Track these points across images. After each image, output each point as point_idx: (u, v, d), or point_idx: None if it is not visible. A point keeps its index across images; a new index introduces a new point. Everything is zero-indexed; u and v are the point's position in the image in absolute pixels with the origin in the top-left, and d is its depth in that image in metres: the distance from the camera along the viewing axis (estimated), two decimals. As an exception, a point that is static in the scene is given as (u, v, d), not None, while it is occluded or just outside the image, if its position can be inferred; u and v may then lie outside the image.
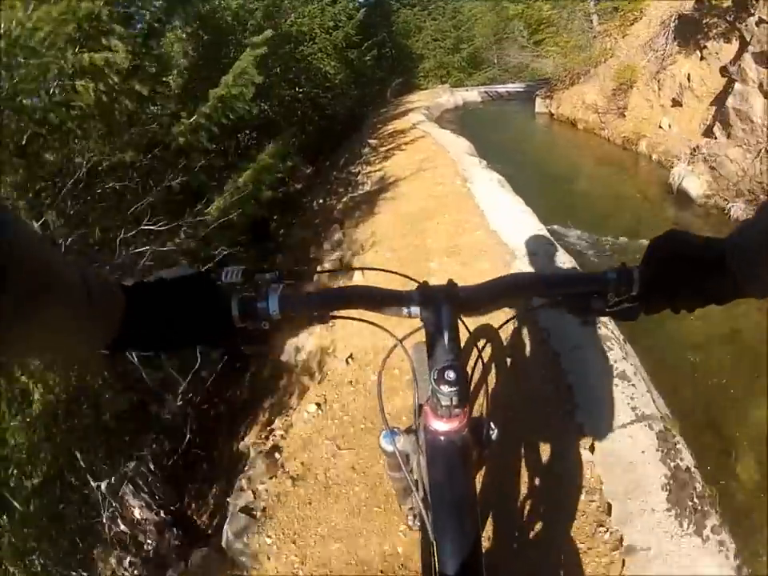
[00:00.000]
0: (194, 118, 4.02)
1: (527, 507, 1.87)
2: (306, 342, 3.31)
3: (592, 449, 2.07)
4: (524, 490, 1.91)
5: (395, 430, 0.84)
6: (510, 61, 16.34)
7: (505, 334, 2.65)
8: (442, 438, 0.65)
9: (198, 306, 0.60)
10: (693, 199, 6.23)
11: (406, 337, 0.80)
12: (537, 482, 1.96)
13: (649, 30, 10.54)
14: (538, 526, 1.78)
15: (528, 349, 2.62)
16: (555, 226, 5.11)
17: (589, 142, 10.10)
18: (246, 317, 0.63)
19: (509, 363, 2.55)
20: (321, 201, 7.61)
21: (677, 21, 8.82)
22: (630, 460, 1.98)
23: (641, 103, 9.14)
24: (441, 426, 0.64)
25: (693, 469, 1.95)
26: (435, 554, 0.60)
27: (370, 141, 8.91)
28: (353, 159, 9.00)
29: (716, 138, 6.44)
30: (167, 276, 0.60)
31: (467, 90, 17.66)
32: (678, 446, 2.03)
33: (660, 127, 8.18)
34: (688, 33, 8.18)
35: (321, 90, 12.88)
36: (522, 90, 18.35)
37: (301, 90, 12.76)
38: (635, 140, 8.72)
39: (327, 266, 4.20)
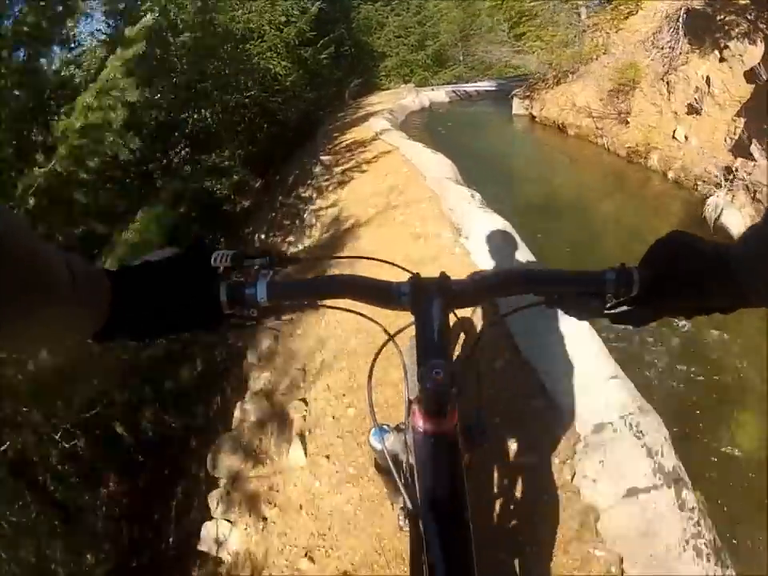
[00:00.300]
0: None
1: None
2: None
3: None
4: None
5: (385, 427, 0.84)
6: (487, 57, 14.78)
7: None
8: (431, 437, 0.63)
9: (186, 290, 0.58)
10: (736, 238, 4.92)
11: (398, 332, 0.79)
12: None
13: (648, 25, 9.35)
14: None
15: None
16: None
17: (585, 153, 8.69)
18: (233, 303, 0.61)
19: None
20: (263, 236, 6.16)
21: (685, 16, 7.61)
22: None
23: (647, 108, 7.84)
24: (429, 425, 0.63)
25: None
26: (426, 554, 0.59)
27: (323, 158, 7.43)
28: (303, 178, 7.53)
29: (755, 160, 5.22)
30: (154, 259, 0.59)
31: (433, 90, 16.27)
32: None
33: (674, 138, 6.92)
34: (700, 30, 6.97)
35: (270, 93, 11.39)
36: (492, 88, 17.13)
37: (247, 95, 11.23)
38: (644, 152, 7.39)
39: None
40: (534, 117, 11.25)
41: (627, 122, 8.09)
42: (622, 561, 1.64)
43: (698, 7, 7.27)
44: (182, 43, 7.62)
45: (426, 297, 0.65)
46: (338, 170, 6.60)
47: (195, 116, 10.54)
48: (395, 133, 7.88)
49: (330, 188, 5.93)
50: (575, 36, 10.86)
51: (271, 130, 11.65)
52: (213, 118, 10.89)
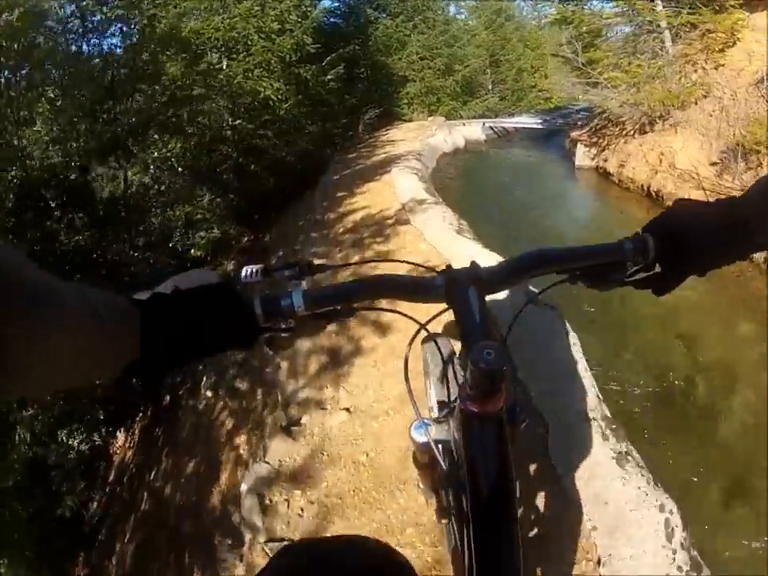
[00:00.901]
0: None
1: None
2: None
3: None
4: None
5: (426, 420, 0.83)
6: (550, 87, 11.65)
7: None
8: (482, 419, 0.62)
9: (222, 312, 0.57)
10: None
11: (429, 321, 0.77)
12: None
13: (754, 63, 6.96)
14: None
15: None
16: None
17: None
18: (269, 315, 0.61)
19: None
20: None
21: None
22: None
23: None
24: (482, 406, 0.62)
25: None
26: (472, 537, 0.59)
27: (315, 249, 4.38)
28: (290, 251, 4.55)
29: None
30: (183, 284, 0.58)
31: (464, 124, 13.44)
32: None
33: None
34: None
35: (258, 123, 8.49)
36: (533, 125, 14.27)
37: (228, 125, 8.34)
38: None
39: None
40: (608, 173, 8.26)
41: None
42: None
43: None
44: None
45: (460, 286, 0.67)
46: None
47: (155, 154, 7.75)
48: (432, 207, 4.79)
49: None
50: (661, 69, 7.93)
51: (260, 172, 8.73)
52: (179, 156, 8.04)
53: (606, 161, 8.44)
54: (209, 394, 3.35)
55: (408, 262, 0.96)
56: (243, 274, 0.64)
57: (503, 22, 23.46)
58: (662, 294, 0.69)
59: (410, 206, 4.80)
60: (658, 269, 0.68)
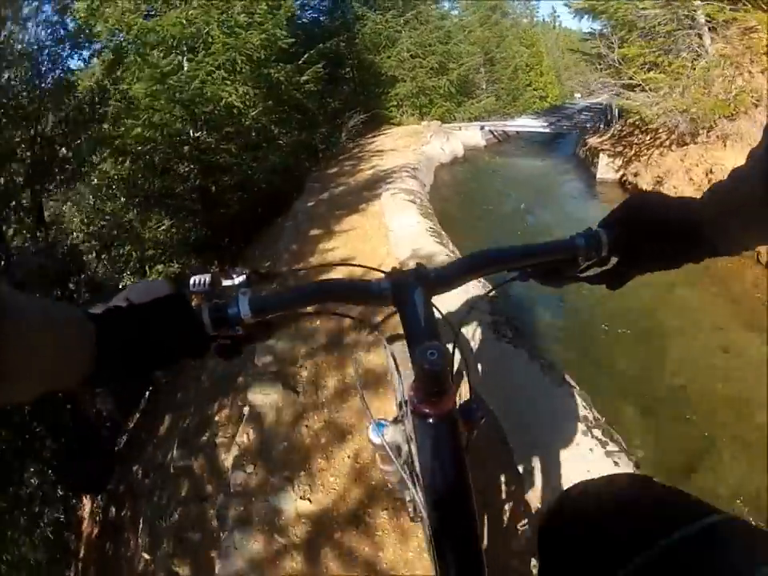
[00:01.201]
0: None
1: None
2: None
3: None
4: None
5: (382, 421, 0.83)
6: (594, 89, 10.06)
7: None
8: (431, 420, 0.59)
9: (172, 324, 0.58)
10: None
11: (379, 324, 0.79)
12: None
13: None
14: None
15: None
16: None
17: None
18: (218, 324, 0.61)
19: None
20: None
21: None
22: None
23: None
24: (429, 407, 0.59)
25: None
26: (433, 539, 0.58)
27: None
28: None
29: None
30: (135, 296, 0.59)
31: (461, 128, 12.08)
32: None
33: None
34: None
35: (220, 136, 7.09)
36: (536, 128, 12.96)
37: (187, 139, 7.01)
38: None
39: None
40: (639, 190, 6.84)
41: None
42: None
43: None
44: None
45: (406, 288, 0.66)
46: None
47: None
48: (435, 247, 3.42)
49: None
50: (707, 71, 6.60)
51: (224, 194, 7.33)
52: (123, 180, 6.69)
53: (636, 175, 7.10)
54: None
55: (357, 265, 0.95)
56: (192, 283, 0.63)
57: (499, 18, 22.21)
58: (615, 288, 0.68)
59: (410, 264, 3.42)
60: (612, 264, 0.67)
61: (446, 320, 0.78)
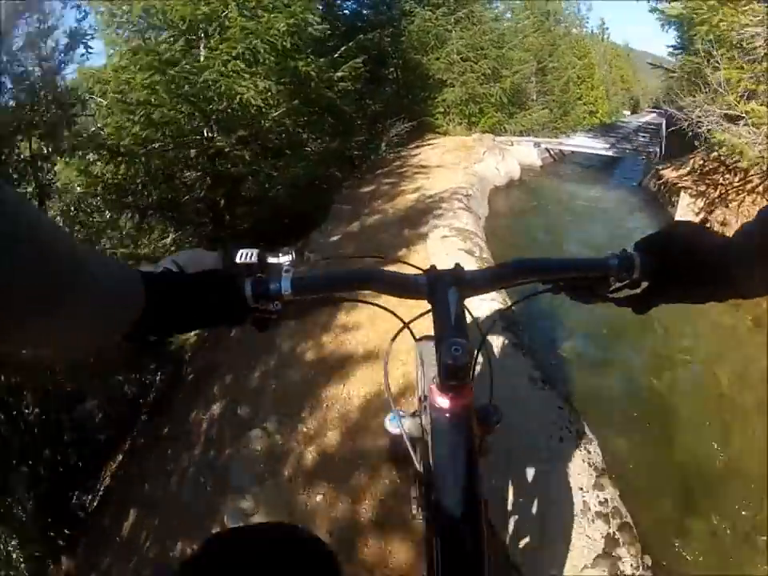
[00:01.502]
0: None
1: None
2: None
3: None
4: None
5: (401, 412, 0.85)
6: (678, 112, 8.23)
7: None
8: (448, 414, 0.63)
9: (214, 287, 0.61)
10: None
11: (413, 320, 0.80)
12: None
13: None
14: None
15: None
16: None
17: None
18: (258, 297, 0.62)
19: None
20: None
21: None
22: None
23: None
24: (447, 402, 0.63)
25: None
26: (437, 537, 0.60)
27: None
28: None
29: None
30: (183, 262, 0.61)
31: (512, 144, 10.65)
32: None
33: None
34: None
35: (233, 141, 5.80)
36: (595, 149, 11.50)
37: (189, 140, 5.72)
38: None
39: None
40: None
41: None
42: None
43: None
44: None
45: (442, 286, 0.67)
46: None
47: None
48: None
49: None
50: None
51: (232, 209, 6.05)
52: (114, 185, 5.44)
53: (723, 224, 5.59)
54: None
55: (398, 261, 0.97)
56: (238, 255, 0.65)
57: (552, 25, 20.66)
58: (640, 313, 0.67)
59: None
60: (641, 288, 0.66)
61: (476, 322, 0.81)
